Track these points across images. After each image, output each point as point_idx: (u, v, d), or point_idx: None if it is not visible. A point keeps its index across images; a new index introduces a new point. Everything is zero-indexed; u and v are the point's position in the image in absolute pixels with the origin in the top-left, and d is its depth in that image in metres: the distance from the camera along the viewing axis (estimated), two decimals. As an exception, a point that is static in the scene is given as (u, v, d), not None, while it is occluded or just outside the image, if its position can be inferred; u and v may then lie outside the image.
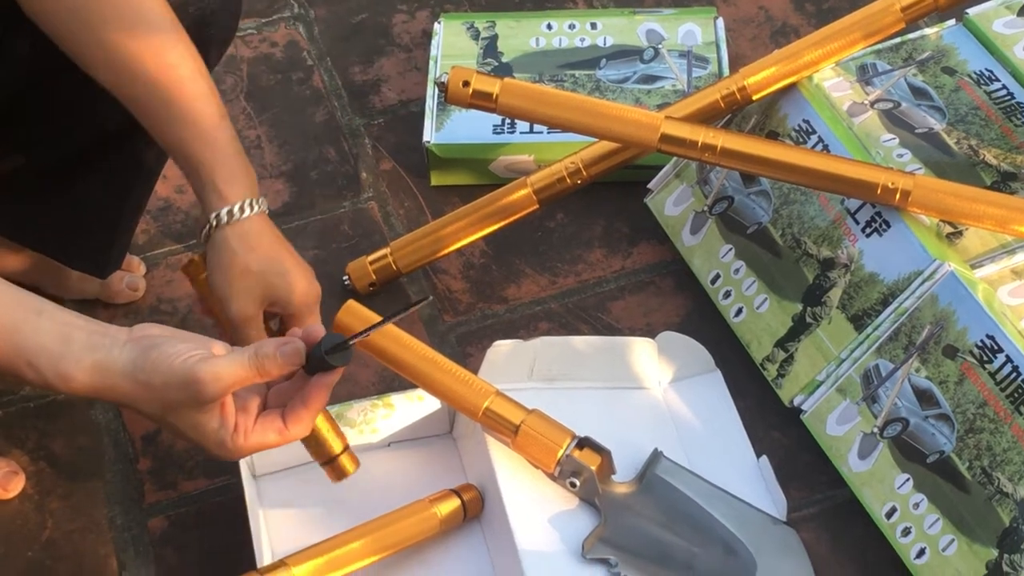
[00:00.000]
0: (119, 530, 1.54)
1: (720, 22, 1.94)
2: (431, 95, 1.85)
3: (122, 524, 1.55)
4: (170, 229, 1.81)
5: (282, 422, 1.20)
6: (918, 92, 1.69)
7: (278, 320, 1.46)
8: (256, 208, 1.41)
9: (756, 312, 1.63)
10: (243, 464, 1.48)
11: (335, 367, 1.20)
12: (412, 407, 1.54)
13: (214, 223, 1.40)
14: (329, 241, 1.79)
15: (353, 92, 1.96)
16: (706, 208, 1.71)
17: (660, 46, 1.91)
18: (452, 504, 1.46)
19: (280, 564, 1.37)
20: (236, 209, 1.40)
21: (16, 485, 1.56)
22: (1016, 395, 1.43)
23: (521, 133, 1.81)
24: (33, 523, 1.54)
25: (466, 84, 1.56)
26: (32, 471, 1.58)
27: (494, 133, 1.82)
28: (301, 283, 1.43)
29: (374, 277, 1.71)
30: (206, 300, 1.49)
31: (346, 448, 1.36)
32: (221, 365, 1.16)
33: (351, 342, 1.19)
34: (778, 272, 1.62)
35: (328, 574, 1.39)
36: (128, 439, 1.61)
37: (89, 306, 1.71)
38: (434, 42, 1.94)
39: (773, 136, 1.66)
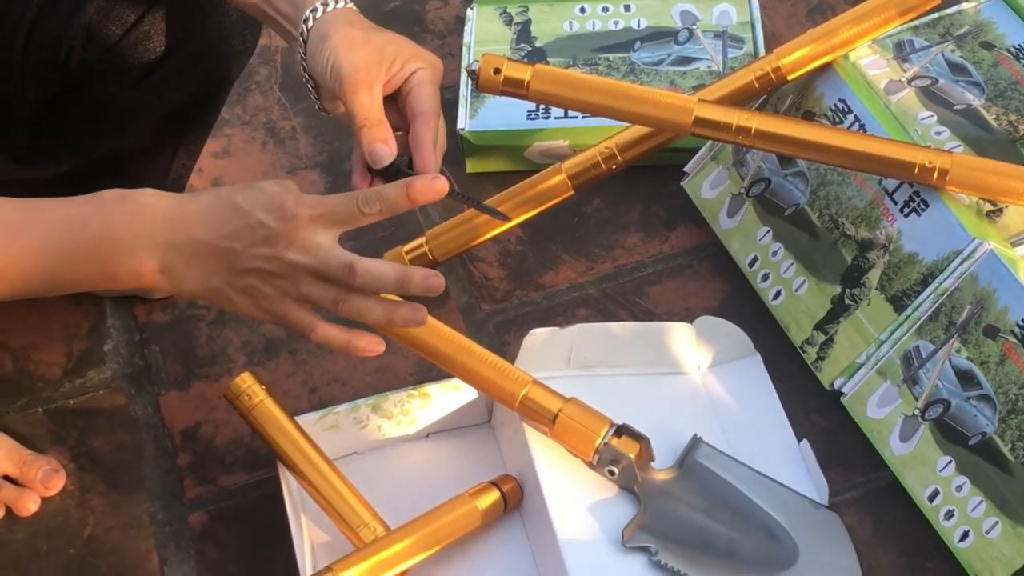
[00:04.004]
0: (160, 525, 1.54)
1: (755, 1, 1.92)
2: (464, 82, 1.85)
3: (163, 519, 1.55)
4: (206, 222, 1.81)
5: None
6: (956, 68, 1.67)
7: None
8: (350, 3, 1.39)
9: (795, 294, 1.62)
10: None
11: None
12: (449, 397, 1.53)
13: (311, 18, 1.37)
14: (365, 231, 1.76)
15: (387, 80, 1.96)
16: (743, 190, 1.69)
17: (695, 27, 1.90)
18: (492, 497, 1.46)
19: (326, 570, 1.36)
20: (320, 4, 1.38)
21: (57, 483, 1.56)
22: (1059, 375, 1.42)
23: (556, 119, 1.80)
24: (75, 520, 1.55)
25: (497, 71, 1.55)
26: (73, 468, 1.58)
27: (528, 119, 1.81)
28: (415, 46, 1.40)
29: (410, 267, 1.70)
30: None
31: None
32: None
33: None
34: (816, 254, 1.61)
35: (373, 578, 1.40)
36: (167, 434, 1.61)
37: (126, 301, 1.72)
38: (467, 28, 1.93)
39: (809, 116, 1.65)
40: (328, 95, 1.42)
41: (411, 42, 1.41)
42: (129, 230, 1.24)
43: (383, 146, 1.35)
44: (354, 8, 1.41)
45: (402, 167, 1.37)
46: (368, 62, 1.36)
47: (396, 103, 1.40)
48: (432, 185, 1.26)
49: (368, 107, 1.35)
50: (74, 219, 1.24)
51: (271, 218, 1.24)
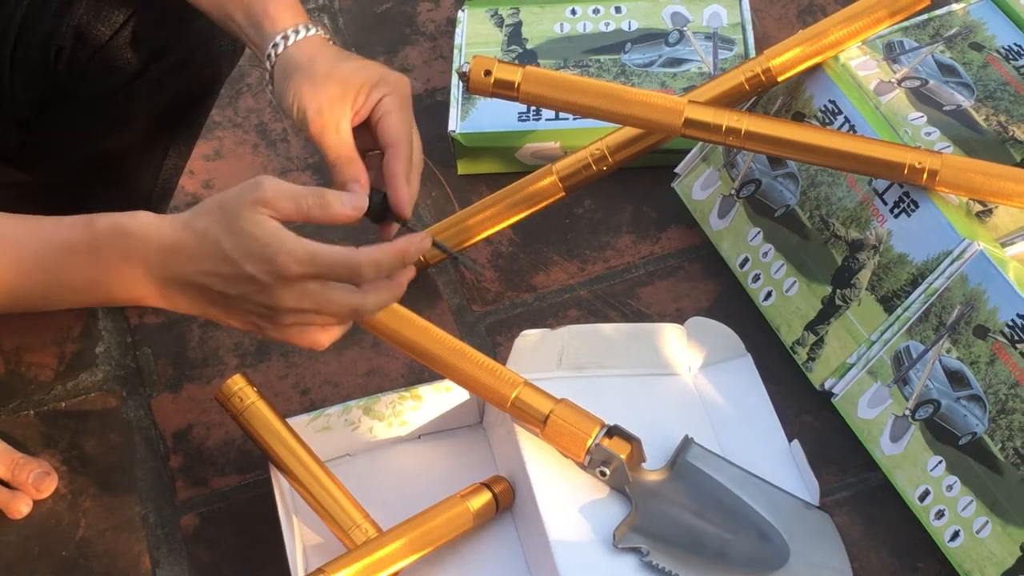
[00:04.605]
0: (152, 528, 1.54)
1: (746, 2, 1.92)
2: (455, 84, 1.85)
3: (155, 522, 1.55)
4: (198, 225, 1.81)
5: None
6: (946, 69, 1.67)
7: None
8: (313, 31, 1.38)
9: (785, 295, 1.62)
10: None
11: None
12: (441, 398, 1.53)
13: (273, 53, 1.36)
14: (357, 233, 1.78)
15: (379, 82, 1.96)
16: (733, 191, 1.70)
17: (685, 29, 1.90)
18: (484, 498, 1.46)
19: (318, 572, 1.37)
20: (291, 32, 1.37)
21: (49, 486, 1.56)
22: (1048, 374, 1.42)
23: (547, 120, 1.80)
24: (67, 522, 1.55)
25: (487, 73, 1.55)
26: (64, 471, 1.58)
27: (519, 121, 1.81)
28: (379, 70, 1.38)
29: (402, 269, 1.70)
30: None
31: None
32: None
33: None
34: (807, 255, 1.61)
35: (365, 580, 1.40)
36: (159, 436, 1.61)
37: (116, 309, 1.72)
38: (458, 30, 1.93)
39: (799, 117, 1.65)
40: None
41: (378, 65, 1.39)
42: (124, 262, 1.21)
43: (355, 186, 1.35)
44: (317, 35, 1.39)
45: (380, 206, 1.38)
46: (331, 100, 1.34)
47: (369, 127, 1.40)
48: (420, 246, 1.27)
49: (337, 146, 1.35)
50: (67, 249, 1.22)
51: (260, 271, 1.19)
